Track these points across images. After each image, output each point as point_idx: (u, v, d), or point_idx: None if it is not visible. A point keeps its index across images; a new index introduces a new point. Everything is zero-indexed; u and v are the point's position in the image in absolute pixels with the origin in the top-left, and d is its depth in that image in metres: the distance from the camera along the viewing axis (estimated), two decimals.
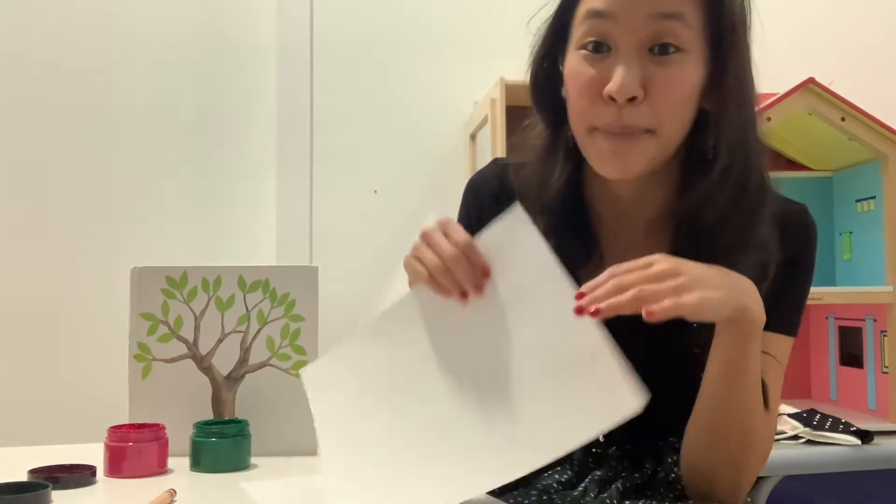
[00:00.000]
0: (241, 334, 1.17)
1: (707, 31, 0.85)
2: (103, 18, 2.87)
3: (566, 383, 0.79)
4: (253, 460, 1.09)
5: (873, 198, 1.77)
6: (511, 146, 1.10)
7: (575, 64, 0.87)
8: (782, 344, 0.93)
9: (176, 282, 1.16)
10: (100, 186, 2.85)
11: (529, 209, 0.93)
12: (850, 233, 1.86)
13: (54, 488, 0.92)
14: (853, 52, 2.34)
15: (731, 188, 0.87)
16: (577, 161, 0.94)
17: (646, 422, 0.94)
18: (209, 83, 2.97)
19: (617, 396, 0.75)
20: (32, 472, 0.98)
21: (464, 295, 0.83)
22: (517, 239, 0.83)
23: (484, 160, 2.97)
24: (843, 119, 1.70)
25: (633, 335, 0.82)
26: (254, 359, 1.17)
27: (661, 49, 0.83)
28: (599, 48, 0.85)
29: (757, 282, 0.85)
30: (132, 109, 2.89)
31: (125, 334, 1.15)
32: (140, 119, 2.89)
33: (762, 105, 1.71)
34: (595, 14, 0.84)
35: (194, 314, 1.16)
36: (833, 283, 1.90)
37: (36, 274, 2.78)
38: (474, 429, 0.83)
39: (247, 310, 1.17)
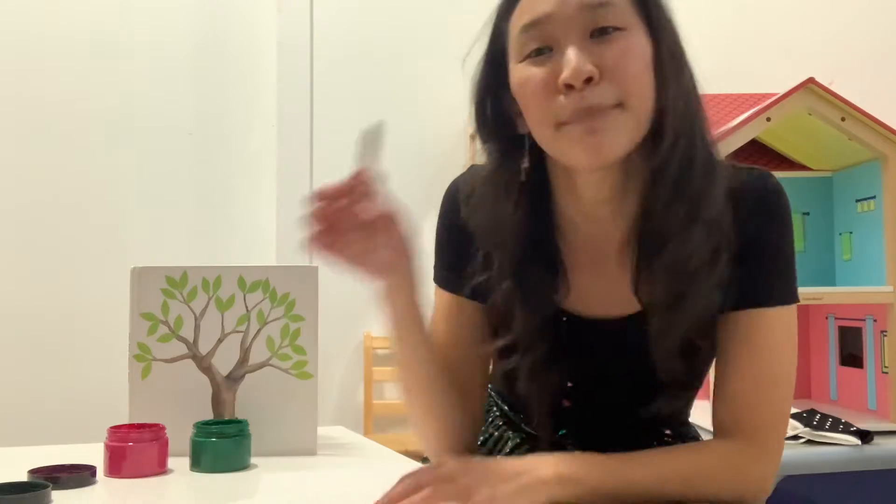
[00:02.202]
0: (241, 334, 1.17)
1: (638, 11, 0.87)
2: (105, 20, 2.87)
3: None
4: (253, 460, 1.09)
5: (873, 198, 1.77)
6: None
7: (521, 73, 0.88)
8: (784, 314, 0.92)
9: (176, 282, 1.16)
10: (100, 187, 2.85)
11: (486, 245, 0.95)
12: (850, 233, 1.86)
13: (54, 488, 0.92)
14: (853, 52, 2.34)
15: (678, 163, 0.87)
16: (535, 192, 0.94)
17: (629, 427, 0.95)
18: (210, 84, 2.97)
19: None
20: (32, 472, 0.98)
21: None
22: None
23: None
24: (843, 119, 1.70)
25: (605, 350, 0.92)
26: (254, 359, 1.17)
27: (601, 32, 0.84)
28: (541, 52, 0.86)
29: (711, 263, 0.87)
30: (133, 110, 2.89)
31: (125, 334, 1.15)
32: (141, 120, 2.89)
33: (763, 105, 1.72)
34: (529, 26, 0.86)
35: (194, 314, 1.16)
36: (833, 283, 1.90)
37: (36, 274, 2.78)
38: None
39: (247, 310, 1.17)
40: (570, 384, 0.98)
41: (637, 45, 0.85)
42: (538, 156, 0.92)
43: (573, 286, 0.96)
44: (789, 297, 0.92)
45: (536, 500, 0.83)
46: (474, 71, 0.95)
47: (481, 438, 1.08)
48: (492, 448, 1.05)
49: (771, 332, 0.91)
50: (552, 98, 0.85)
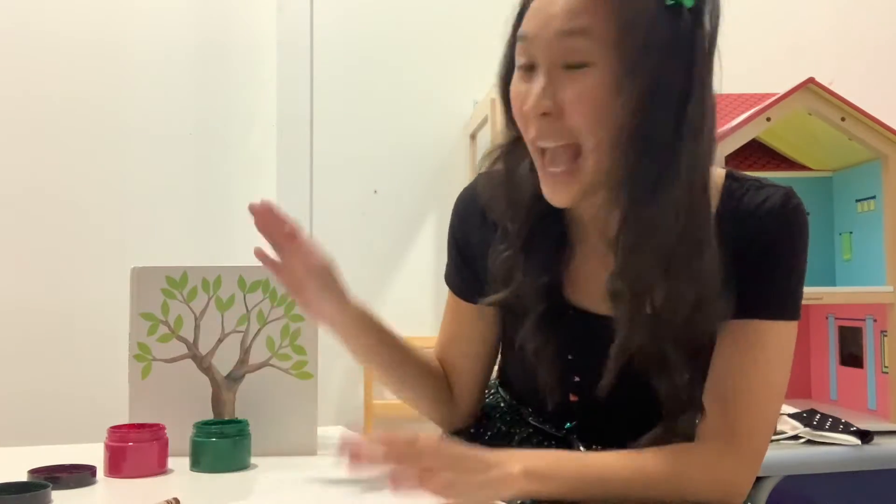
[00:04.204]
0: (241, 334, 1.17)
1: (622, 44, 0.85)
2: (105, 19, 2.87)
3: None
4: (253, 460, 1.10)
5: (873, 198, 1.77)
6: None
7: (513, 84, 0.92)
8: (784, 330, 0.93)
9: (176, 282, 1.16)
10: (100, 186, 2.85)
11: (500, 219, 0.98)
12: (850, 233, 1.86)
13: (54, 488, 0.92)
14: (853, 52, 2.34)
15: (660, 208, 0.86)
16: None
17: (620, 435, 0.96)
18: (210, 84, 2.97)
19: None
20: (32, 472, 0.98)
21: None
22: None
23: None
24: (843, 119, 1.70)
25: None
26: (254, 359, 1.17)
27: (572, 64, 0.86)
28: (528, 68, 0.89)
29: (679, 299, 0.87)
30: (133, 110, 2.89)
31: (125, 334, 1.15)
32: (140, 120, 2.89)
33: (763, 105, 1.72)
34: (521, 37, 0.89)
35: (194, 314, 1.17)
36: (833, 283, 1.90)
37: (36, 274, 2.78)
38: None
39: (247, 310, 1.17)
40: (577, 378, 0.98)
41: (599, 87, 0.85)
42: None
43: (581, 279, 0.98)
44: (792, 313, 0.94)
45: (498, 496, 0.84)
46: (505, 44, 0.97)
47: (489, 434, 1.08)
48: (498, 443, 1.06)
49: (770, 345, 0.92)
50: (527, 117, 0.89)
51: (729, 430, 0.91)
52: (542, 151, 0.90)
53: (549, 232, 0.97)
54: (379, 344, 1.05)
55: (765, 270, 0.91)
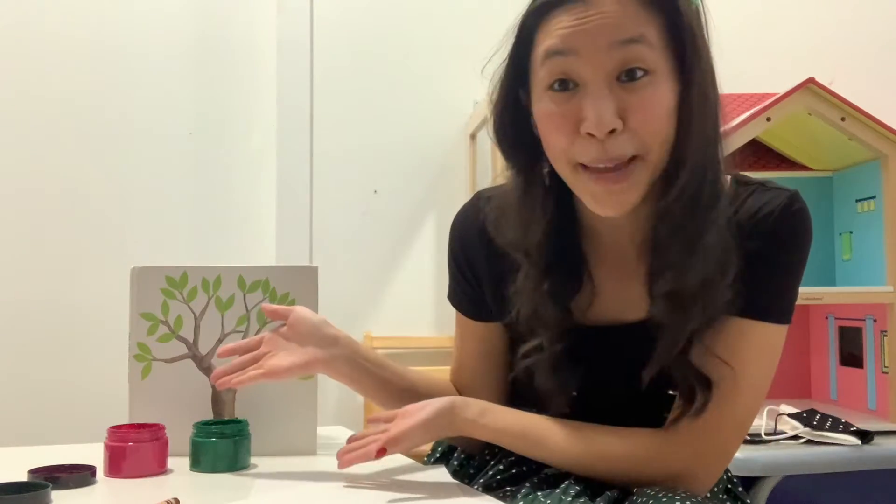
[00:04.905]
0: (241, 334, 1.17)
1: (670, 48, 0.85)
2: (105, 19, 2.87)
3: None
4: (253, 460, 1.10)
5: (873, 198, 1.77)
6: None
7: (545, 105, 0.87)
8: (769, 332, 0.92)
9: (176, 282, 1.16)
10: (100, 186, 2.85)
11: (516, 257, 0.96)
12: (850, 233, 1.86)
13: (54, 488, 0.92)
14: (853, 52, 2.34)
15: (686, 202, 0.87)
16: (557, 197, 0.94)
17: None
18: (210, 84, 2.97)
19: None
20: (32, 472, 0.98)
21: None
22: None
23: (484, 160, 2.97)
24: (843, 119, 1.69)
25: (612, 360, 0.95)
26: None
27: (628, 75, 0.83)
28: (566, 85, 0.85)
29: (711, 286, 0.86)
30: (133, 110, 2.89)
31: (125, 334, 1.15)
32: (141, 120, 2.89)
33: (763, 105, 1.72)
34: (555, 53, 0.84)
35: (194, 314, 1.16)
36: (833, 283, 1.90)
37: (36, 274, 2.78)
38: None
39: (247, 310, 1.17)
40: (574, 393, 0.97)
41: (662, 95, 0.84)
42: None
43: (595, 297, 0.97)
44: (781, 317, 0.92)
45: (445, 434, 0.97)
46: (498, 71, 0.93)
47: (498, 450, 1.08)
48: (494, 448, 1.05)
49: (750, 346, 0.91)
50: (572, 138, 0.85)
51: (698, 425, 0.90)
52: (586, 167, 0.86)
53: (566, 263, 0.95)
54: (379, 385, 1.09)
55: (760, 272, 0.90)
